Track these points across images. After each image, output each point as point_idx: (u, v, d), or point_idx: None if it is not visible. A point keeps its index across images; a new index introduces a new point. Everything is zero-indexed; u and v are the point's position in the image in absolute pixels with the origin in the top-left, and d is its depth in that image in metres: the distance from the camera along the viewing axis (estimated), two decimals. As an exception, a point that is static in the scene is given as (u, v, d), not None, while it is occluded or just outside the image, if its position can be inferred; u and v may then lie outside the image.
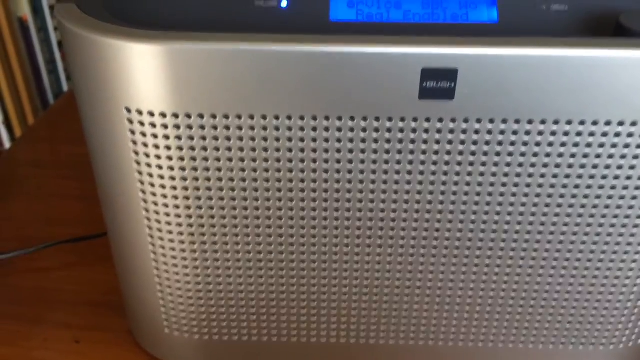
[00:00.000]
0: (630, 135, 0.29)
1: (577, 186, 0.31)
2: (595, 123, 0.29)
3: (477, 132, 0.29)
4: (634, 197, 0.31)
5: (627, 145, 0.29)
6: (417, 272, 0.35)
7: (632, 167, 0.30)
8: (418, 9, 0.35)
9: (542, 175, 0.30)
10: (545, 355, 0.39)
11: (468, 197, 0.31)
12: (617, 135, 0.29)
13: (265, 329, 0.38)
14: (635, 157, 0.29)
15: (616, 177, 0.30)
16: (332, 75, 0.28)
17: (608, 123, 0.28)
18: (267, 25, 0.35)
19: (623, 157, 0.30)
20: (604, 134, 0.29)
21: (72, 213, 0.53)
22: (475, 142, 0.29)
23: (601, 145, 0.29)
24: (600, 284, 0.35)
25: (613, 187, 0.31)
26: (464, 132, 0.29)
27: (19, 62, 1.28)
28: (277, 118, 0.29)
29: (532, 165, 0.30)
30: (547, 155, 0.30)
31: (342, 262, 0.34)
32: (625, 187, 0.31)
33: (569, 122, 0.29)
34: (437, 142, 0.30)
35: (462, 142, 0.29)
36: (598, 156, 0.30)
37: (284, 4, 0.35)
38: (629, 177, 0.30)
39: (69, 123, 0.68)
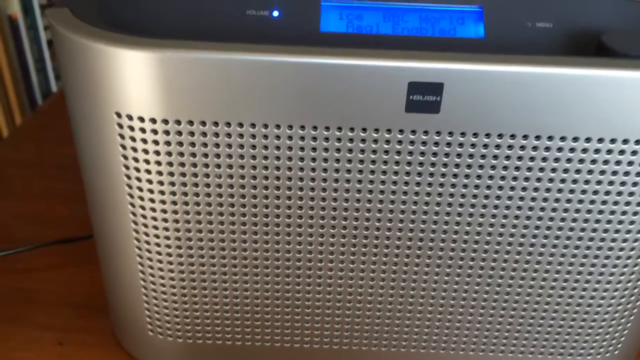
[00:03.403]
0: (609, 152, 0.30)
1: (557, 200, 0.31)
2: (575, 139, 0.29)
3: (461, 145, 0.30)
4: (612, 212, 0.32)
5: (606, 162, 0.30)
6: (400, 280, 0.35)
7: (610, 183, 0.31)
8: (407, 22, 0.36)
9: (524, 189, 0.31)
10: (524, 364, 0.39)
11: (451, 208, 0.32)
12: (597, 151, 0.30)
13: (249, 332, 0.38)
14: (614, 173, 0.30)
15: (595, 192, 0.31)
16: (320, 86, 0.28)
17: (588, 140, 0.29)
18: (258, 35, 0.36)
19: (602, 172, 0.30)
20: (584, 150, 0.30)
21: (58, 214, 0.53)
22: (459, 155, 0.30)
23: (581, 161, 0.30)
24: (580, 296, 0.36)
25: (592, 202, 0.31)
26: (449, 145, 0.30)
27: (7, 60, 1.28)
28: (265, 126, 0.29)
29: (514, 178, 0.31)
30: (529, 169, 0.30)
31: (327, 268, 0.35)
32: (604, 202, 0.31)
33: (550, 138, 0.29)
34: (422, 154, 0.30)
35: (447, 155, 0.30)
36: (578, 171, 0.30)
37: (275, 13, 0.36)
38: (607, 193, 0.31)
39: (57, 124, 0.68)
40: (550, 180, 0.31)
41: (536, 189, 0.31)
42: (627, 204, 0.31)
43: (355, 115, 0.29)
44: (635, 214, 0.32)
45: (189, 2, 0.36)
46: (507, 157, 0.30)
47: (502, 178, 0.31)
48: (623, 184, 0.31)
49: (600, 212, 0.32)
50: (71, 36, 0.29)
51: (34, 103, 1.36)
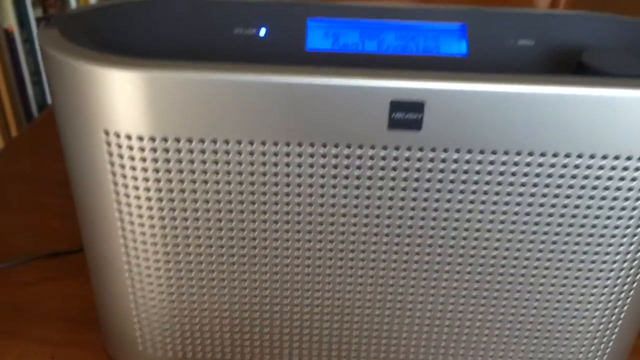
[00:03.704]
0: (589, 167, 0.30)
1: (539, 214, 0.32)
2: (555, 155, 0.30)
3: (443, 161, 0.30)
4: (594, 226, 0.32)
5: (585, 177, 0.30)
6: (387, 293, 0.36)
7: (591, 197, 0.31)
8: (392, 40, 0.36)
9: (506, 203, 0.32)
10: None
11: (435, 222, 0.32)
12: (576, 167, 0.30)
13: (238, 346, 0.39)
14: (594, 187, 0.31)
15: (576, 207, 0.32)
16: (304, 104, 0.29)
17: (567, 155, 0.30)
18: (245, 53, 0.36)
19: (582, 187, 0.31)
20: (564, 166, 0.30)
21: (50, 228, 0.54)
22: (442, 171, 0.31)
23: (561, 176, 0.30)
24: (562, 315, 0.36)
25: (573, 216, 0.32)
26: (432, 160, 0.30)
27: (3, 73, 1.28)
28: (251, 143, 0.30)
29: (496, 193, 0.31)
30: (511, 184, 0.31)
31: (314, 285, 0.35)
32: (585, 216, 0.32)
33: (530, 154, 0.30)
34: (406, 169, 0.31)
35: (430, 170, 0.31)
36: (558, 186, 0.31)
37: (262, 32, 0.36)
38: (588, 207, 0.32)
39: (52, 137, 0.68)
40: (532, 194, 0.31)
41: (519, 203, 0.32)
42: (608, 217, 0.32)
43: (340, 132, 0.30)
44: (616, 227, 0.32)
45: (177, 22, 0.36)
46: (489, 173, 0.31)
47: (485, 193, 0.31)
48: (603, 198, 0.31)
49: (582, 225, 0.32)
50: (60, 57, 0.29)
51: (30, 115, 1.36)
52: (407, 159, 0.30)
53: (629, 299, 0.36)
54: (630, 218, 0.32)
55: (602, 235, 0.33)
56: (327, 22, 0.36)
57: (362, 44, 0.36)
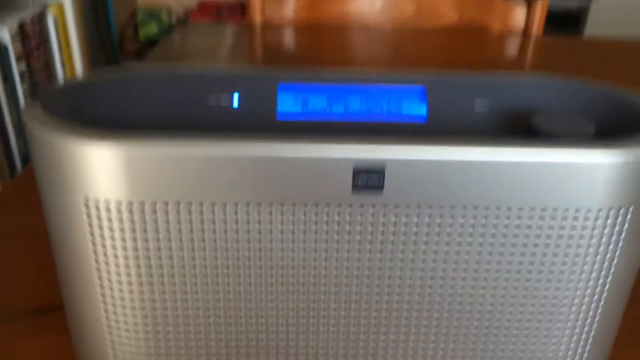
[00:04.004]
0: (541, 218, 0.32)
1: (498, 263, 0.34)
2: (509, 209, 0.32)
3: (406, 218, 0.32)
4: (550, 275, 0.34)
5: (539, 228, 0.33)
6: (352, 341, 0.37)
7: (546, 246, 0.33)
8: (357, 105, 0.39)
9: (467, 255, 0.34)
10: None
11: (400, 277, 0.34)
12: (530, 220, 0.32)
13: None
14: (548, 237, 0.33)
15: (532, 255, 0.34)
16: (273, 171, 0.31)
17: (520, 209, 0.32)
18: (219, 123, 0.39)
19: (537, 237, 0.33)
20: (518, 218, 0.32)
21: (32, 284, 0.55)
22: (405, 226, 0.33)
23: (516, 228, 0.33)
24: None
25: (531, 264, 0.34)
26: (395, 216, 0.32)
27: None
28: (224, 205, 0.32)
29: (458, 245, 0.33)
30: (470, 235, 0.33)
31: (288, 341, 0.36)
32: (542, 265, 0.34)
33: (486, 209, 0.32)
34: (371, 225, 0.33)
35: (394, 228, 0.33)
36: (515, 236, 0.33)
37: (235, 102, 0.39)
38: (544, 254, 0.34)
39: (35, 192, 0.70)
40: (491, 244, 0.33)
41: (479, 252, 0.34)
42: (553, 264, 0.34)
43: (307, 195, 0.32)
44: (561, 272, 0.34)
45: (152, 95, 0.39)
46: (450, 226, 0.33)
47: (446, 244, 0.33)
48: (557, 246, 0.33)
49: (539, 272, 0.34)
50: (41, 131, 0.31)
51: (14, 168, 1.37)
52: (372, 217, 0.32)
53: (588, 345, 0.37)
54: (583, 265, 0.34)
55: (558, 286, 0.35)
56: (296, 88, 0.39)
57: (331, 111, 0.38)
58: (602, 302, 0.36)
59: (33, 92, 1.40)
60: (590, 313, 0.36)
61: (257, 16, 1.18)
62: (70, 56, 1.60)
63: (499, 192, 0.32)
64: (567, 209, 0.32)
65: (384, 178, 0.31)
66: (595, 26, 2.41)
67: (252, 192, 0.31)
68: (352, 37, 1.19)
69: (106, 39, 2.02)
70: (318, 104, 0.38)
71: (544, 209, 0.32)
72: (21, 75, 1.38)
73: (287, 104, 0.38)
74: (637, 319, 0.49)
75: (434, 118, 0.38)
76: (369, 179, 0.31)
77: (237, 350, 0.37)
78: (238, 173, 0.31)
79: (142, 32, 2.21)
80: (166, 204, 0.32)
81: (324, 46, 1.13)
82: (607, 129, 0.36)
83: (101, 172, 0.30)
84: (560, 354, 0.37)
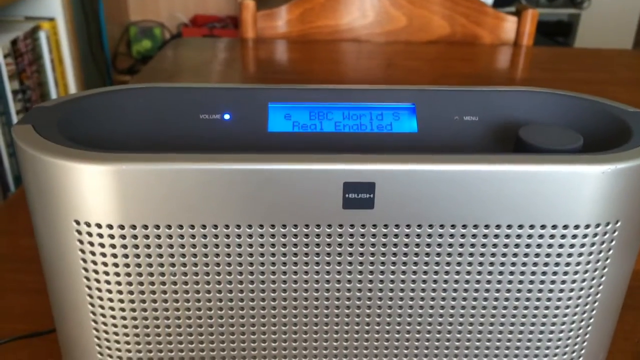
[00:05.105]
0: (529, 236, 0.32)
1: (488, 281, 0.34)
2: (498, 227, 0.32)
3: (396, 236, 0.32)
4: (540, 290, 0.34)
5: (528, 245, 0.33)
6: (341, 357, 0.37)
7: (535, 264, 0.33)
8: (348, 120, 0.39)
9: (457, 272, 0.34)
10: None
11: (392, 292, 0.34)
12: (518, 237, 0.32)
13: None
14: (537, 255, 0.33)
15: (522, 273, 0.34)
16: (264, 189, 0.31)
17: (509, 227, 0.32)
18: (210, 137, 0.39)
19: (526, 255, 0.33)
20: (507, 236, 0.32)
21: (26, 307, 0.54)
22: (395, 245, 0.33)
23: (505, 246, 0.33)
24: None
25: (520, 282, 0.34)
26: (385, 236, 0.32)
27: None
28: (215, 227, 0.32)
29: (447, 264, 0.33)
30: (460, 254, 0.33)
31: (280, 353, 0.36)
32: (532, 282, 0.34)
33: (475, 226, 0.32)
34: (362, 245, 0.33)
35: (384, 245, 0.33)
36: (504, 255, 0.33)
37: (226, 117, 0.39)
38: (533, 273, 0.34)
39: (28, 213, 0.69)
40: (480, 264, 0.33)
41: (469, 272, 0.34)
42: (542, 280, 0.34)
43: (298, 214, 0.32)
44: (550, 288, 0.34)
45: (145, 109, 0.39)
46: (439, 245, 0.33)
47: (437, 264, 0.33)
48: (545, 264, 0.33)
49: (529, 290, 0.34)
50: (32, 152, 0.31)
51: (7, 187, 1.37)
52: (362, 236, 0.32)
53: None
54: (573, 282, 0.34)
55: (547, 303, 0.35)
56: (287, 105, 0.39)
57: (321, 124, 0.39)
58: (592, 317, 0.36)
59: (26, 111, 1.40)
60: (581, 330, 0.36)
61: (249, 30, 1.19)
62: (63, 73, 1.61)
63: (488, 208, 0.32)
64: (554, 226, 0.32)
65: (374, 193, 0.31)
66: (585, 36, 2.43)
67: (242, 212, 0.32)
68: (344, 50, 1.20)
69: (99, 55, 2.03)
70: (308, 121, 0.38)
71: (532, 226, 0.32)
72: (14, 93, 1.38)
73: (277, 123, 0.39)
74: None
75: (425, 131, 0.38)
76: (359, 193, 0.31)
77: (230, 371, 0.37)
78: (228, 191, 0.31)
79: (135, 49, 2.22)
80: (157, 227, 0.32)
81: (316, 60, 1.14)
82: (595, 142, 0.37)
83: (91, 193, 0.31)
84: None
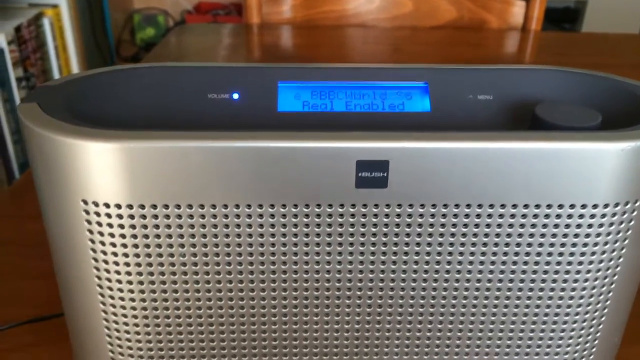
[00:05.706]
0: (547, 216, 0.32)
1: (503, 262, 0.33)
2: (514, 206, 0.31)
3: (410, 216, 0.32)
4: (556, 272, 0.34)
5: (545, 225, 0.32)
6: (355, 339, 0.36)
7: (551, 245, 0.33)
8: (359, 99, 0.38)
9: (472, 254, 0.33)
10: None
11: (405, 274, 0.34)
12: (535, 216, 0.32)
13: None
14: (554, 235, 0.32)
15: (538, 254, 0.33)
16: (275, 167, 0.30)
17: (526, 206, 0.31)
18: (219, 116, 0.38)
19: (542, 235, 0.32)
20: (523, 216, 0.32)
21: (32, 292, 0.54)
22: (408, 225, 0.32)
23: (522, 226, 0.32)
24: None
25: (536, 263, 0.33)
26: (398, 216, 0.32)
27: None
28: (225, 207, 0.31)
29: (462, 244, 0.33)
30: (475, 235, 0.32)
31: (291, 348, 0.36)
32: (548, 263, 0.33)
33: (491, 206, 0.31)
34: (374, 225, 0.32)
35: (397, 226, 0.32)
36: (520, 235, 0.32)
37: (235, 96, 0.38)
38: (549, 254, 0.33)
39: (33, 198, 0.69)
40: (496, 244, 0.33)
41: (484, 253, 0.33)
42: (569, 263, 0.33)
43: (309, 193, 0.31)
44: (567, 269, 0.34)
45: (152, 89, 0.38)
46: (454, 225, 0.32)
47: (451, 245, 0.33)
48: (562, 245, 0.33)
49: (545, 272, 0.34)
50: (38, 130, 0.30)
51: (12, 174, 1.37)
52: (375, 216, 0.32)
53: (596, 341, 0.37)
54: (590, 263, 0.33)
55: (564, 284, 0.34)
56: (297, 84, 0.38)
57: (331, 103, 0.38)
58: (609, 299, 0.35)
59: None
60: (597, 312, 0.35)
61: (254, 15, 1.18)
62: (67, 61, 1.60)
63: (504, 187, 0.31)
64: (572, 205, 0.32)
65: (388, 171, 0.30)
66: (592, 23, 2.40)
67: (253, 192, 0.31)
68: (350, 35, 1.19)
69: (103, 43, 2.02)
70: (319, 100, 0.38)
71: (549, 206, 0.32)
72: (18, 80, 1.37)
73: (287, 103, 0.38)
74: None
75: (438, 111, 0.37)
76: (372, 172, 0.30)
77: (239, 356, 0.36)
78: (238, 171, 0.30)
79: (138, 36, 2.20)
80: (166, 206, 0.31)
81: (322, 45, 1.12)
82: (613, 120, 0.36)
83: (99, 172, 0.30)
84: (569, 348, 0.37)
